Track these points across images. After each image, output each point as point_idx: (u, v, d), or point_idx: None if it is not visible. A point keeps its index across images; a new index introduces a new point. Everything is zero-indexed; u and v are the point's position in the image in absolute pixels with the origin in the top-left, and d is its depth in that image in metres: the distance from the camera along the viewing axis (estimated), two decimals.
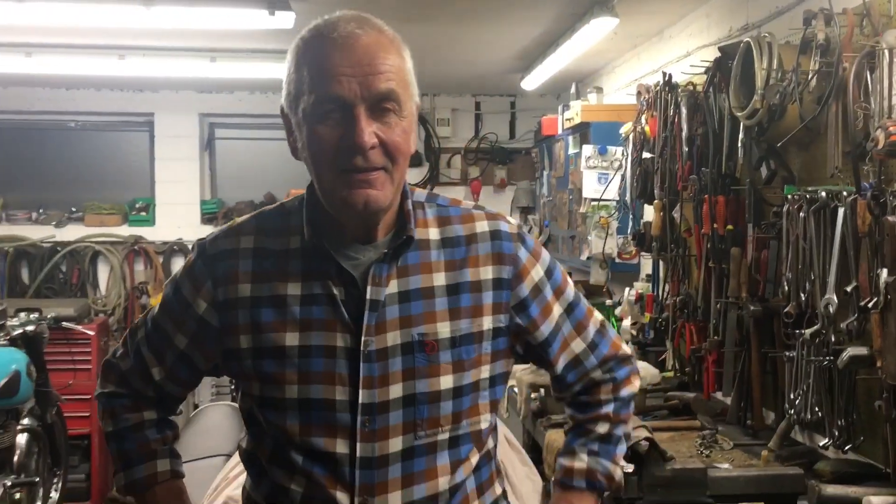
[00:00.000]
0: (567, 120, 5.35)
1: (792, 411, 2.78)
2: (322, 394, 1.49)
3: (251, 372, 1.53)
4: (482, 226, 1.58)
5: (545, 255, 1.65)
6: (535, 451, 3.52)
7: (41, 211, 7.09)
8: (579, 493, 1.68)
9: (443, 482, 1.52)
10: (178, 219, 7.07)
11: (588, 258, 4.95)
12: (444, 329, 1.51)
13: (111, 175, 7.31)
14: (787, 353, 2.82)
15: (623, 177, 4.48)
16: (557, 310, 1.64)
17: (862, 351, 2.45)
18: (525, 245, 1.61)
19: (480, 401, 1.56)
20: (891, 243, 2.30)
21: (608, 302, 4.97)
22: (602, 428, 1.69)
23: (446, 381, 1.51)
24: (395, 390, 1.49)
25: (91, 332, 5.80)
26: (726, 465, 2.81)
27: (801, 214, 2.69)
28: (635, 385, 1.74)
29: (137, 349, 1.66)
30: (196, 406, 6.01)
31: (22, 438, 4.44)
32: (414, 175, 7.29)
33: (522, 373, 3.79)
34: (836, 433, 2.64)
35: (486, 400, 1.58)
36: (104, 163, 7.32)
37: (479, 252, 1.56)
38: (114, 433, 1.69)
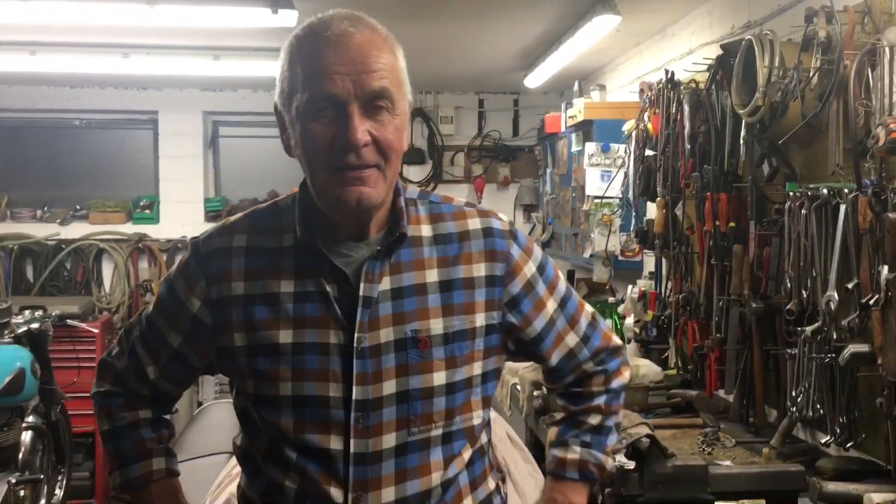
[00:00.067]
0: (570, 117, 5.35)
1: (794, 409, 2.78)
2: (316, 390, 1.49)
3: (245, 369, 1.54)
4: (474, 223, 1.59)
5: (537, 250, 1.66)
6: (537, 448, 3.52)
7: (46, 209, 7.11)
8: (572, 483, 1.71)
9: (436, 477, 1.53)
10: (182, 216, 7.08)
11: (591, 256, 4.95)
12: (437, 325, 1.52)
13: (115, 173, 7.33)
14: (789, 351, 2.83)
15: (626, 174, 4.48)
16: (551, 305, 1.65)
17: (863, 348, 2.45)
18: (517, 242, 1.62)
19: (473, 397, 1.57)
20: (891, 240, 2.30)
21: (611, 299, 4.98)
22: (594, 419, 1.72)
23: (439, 378, 1.52)
24: (389, 386, 1.49)
25: (95, 330, 5.82)
26: (727, 462, 2.81)
27: (803, 212, 2.70)
28: (626, 376, 1.76)
29: (132, 348, 1.67)
30: (200, 404, 6.03)
31: (26, 436, 4.44)
32: (417, 173, 7.30)
33: (525, 371, 3.80)
34: (838, 430, 2.65)
35: (479, 396, 1.59)
36: (108, 161, 7.34)
37: (472, 249, 1.57)
38: (109, 432, 1.70)
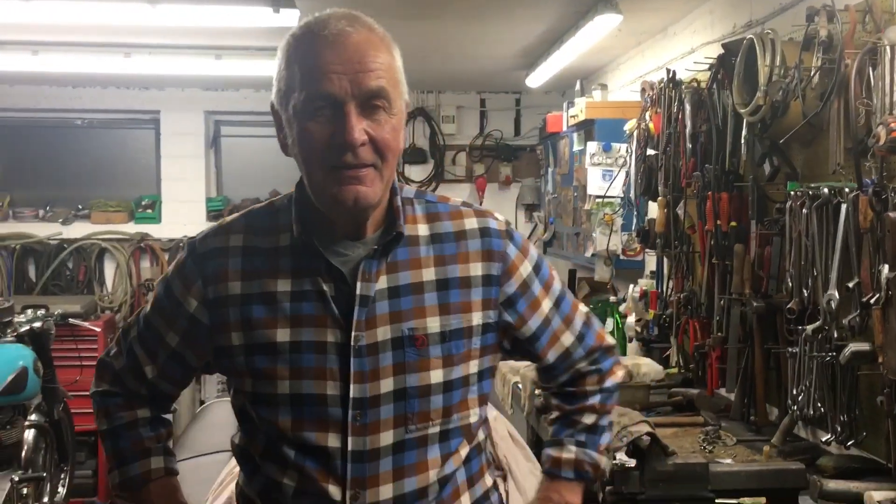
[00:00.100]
0: (572, 117, 5.35)
1: (794, 407, 2.78)
2: (313, 389, 1.50)
3: (243, 368, 1.55)
4: (471, 222, 1.60)
5: (532, 250, 1.67)
6: (538, 446, 3.53)
7: (48, 208, 7.12)
8: (567, 482, 1.72)
9: (433, 474, 1.54)
10: (184, 216, 7.07)
11: (592, 255, 4.95)
12: (433, 324, 1.52)
13: (117, 173, 7.32)
14: (790, 349, 2.83)
15: (627, 173, 4.48)
16: (547, 304, 1.66)
17: (864, 347, 2.45)
18: (513, 241, 1.62)
19: (470, 395, 1.58)
20: (892, 239, 2.31)
21: (612, 298, 4.98)
22: (588, 419, 1.73)
23: (436, 376, 1.52)
24: (386, 384, 1.50)
25: (97, 329, 5.84)
26: (728, 461, 2.82)
27: (804, 211, 2.70)
28: (619, 375, 1.77)
29: (130, 348, 1.67)
30: (202, 402, 6.04)
31: (29, 434, 4.45)
32: (419, 172, 7.30)
33: (527, 369, 3.80)
34: (839, 429, 2.65)
35: (475, 394, 1.59)
36: (110, 160, 7.34)
37: (469, 249, 1.57)
38: (108, 431, 1.71)
